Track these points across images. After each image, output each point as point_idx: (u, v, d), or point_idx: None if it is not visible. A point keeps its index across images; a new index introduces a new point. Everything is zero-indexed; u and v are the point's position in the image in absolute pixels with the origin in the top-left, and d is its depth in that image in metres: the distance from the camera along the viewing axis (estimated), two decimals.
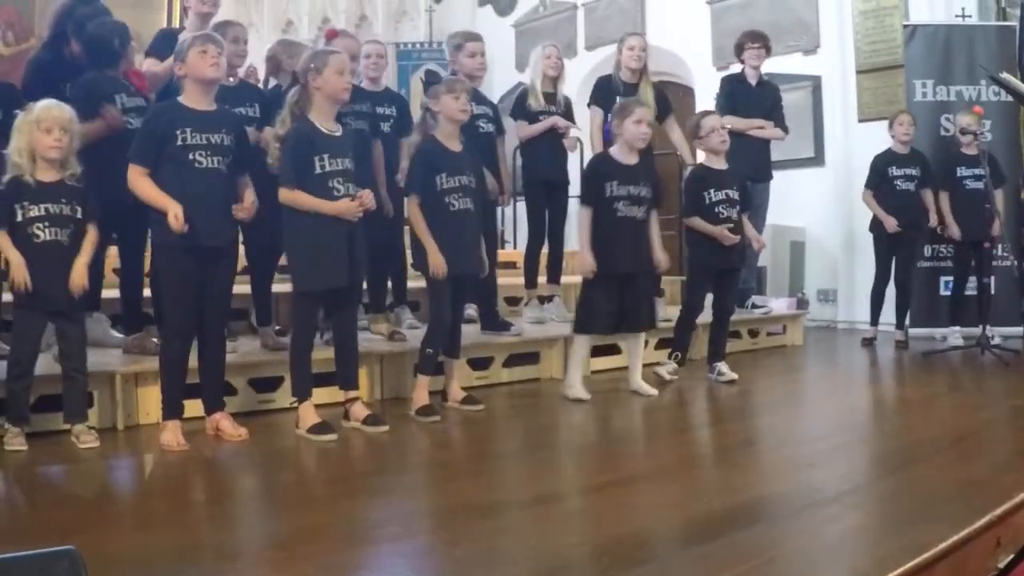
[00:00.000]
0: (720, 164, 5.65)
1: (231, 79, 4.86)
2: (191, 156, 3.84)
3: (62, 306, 3.85)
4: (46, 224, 3.80)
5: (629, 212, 4.95)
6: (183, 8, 5.60)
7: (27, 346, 3.80)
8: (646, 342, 5.97)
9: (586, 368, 5.68)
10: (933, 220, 7.31)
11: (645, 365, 5.33)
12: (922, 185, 7.31)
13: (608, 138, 5.32)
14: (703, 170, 5.65)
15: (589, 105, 6.43)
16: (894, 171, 7.30)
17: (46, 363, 3.95)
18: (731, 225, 5.48)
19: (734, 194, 5.57)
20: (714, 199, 5.51)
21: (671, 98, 6.88)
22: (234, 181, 4.01)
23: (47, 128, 3.80)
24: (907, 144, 7.35)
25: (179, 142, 3.83)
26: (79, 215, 3.89)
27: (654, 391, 5.11)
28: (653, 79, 6.59)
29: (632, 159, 5.04)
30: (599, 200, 4.95)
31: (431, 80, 5.29)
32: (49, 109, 3.85)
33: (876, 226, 7.38)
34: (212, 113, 3.98)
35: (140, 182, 3.84)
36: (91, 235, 3.94)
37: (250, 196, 4.05)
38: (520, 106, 6.24)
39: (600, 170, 5.05)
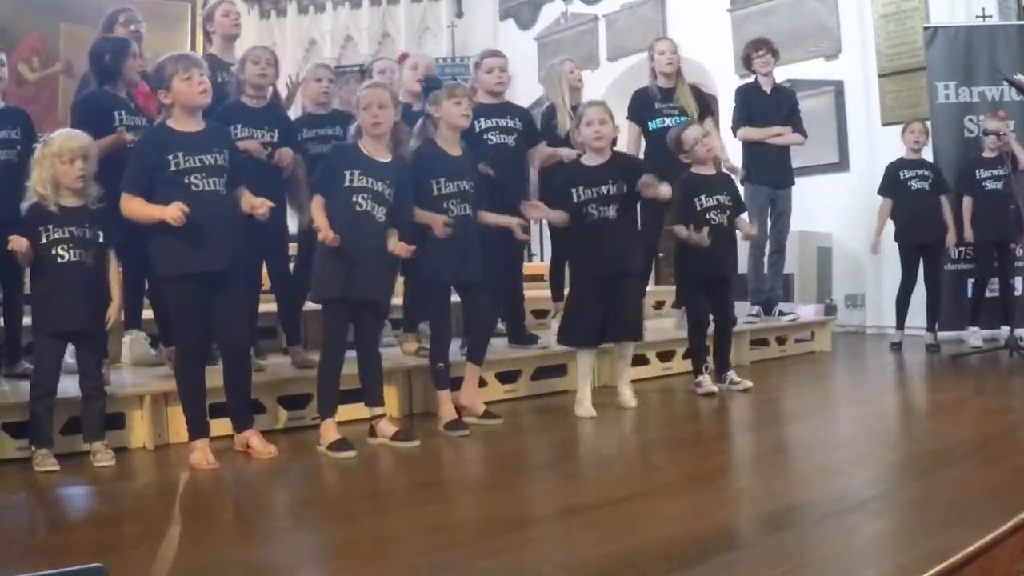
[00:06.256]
0: (709, 170, 5.62)
1: (257, 101, 4.91)
2: (187, 180, 3.82)
3: (80, 326, 3.90)
4: (70, 245, 3.86)
5: (601, 213, 4.89)
6: (205, 32, 5.63)
7: (48, 367, 3.85)
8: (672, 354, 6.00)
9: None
10: (950, 236, 7.35)
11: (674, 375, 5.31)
12: (935, 189, 7.33)
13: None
14: (692, 177, 5.56)
15: (627, 119, 6.43)
16: (906, 173, 7.34)
17: (72, 385, 4.00)
18: (708, 225, 5.38)
19: (726, 199, 5.53)
20: (705, 205, 5.45)
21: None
22: (232, 199, 3.98)
23: (70, 159, 3.86)
24: (918, 151, 7.40)
25: (172, 167, 3.80)
26: (101, 240, 3.96)
27: (632, 403, 5.05)
28: None
29: (599, 160, 4.98)
30: (568, 208, 4.93)
31: (431, 86, 5.31)
32: (68, 140, 3.91)
33: (900, 235, 7.39)
34: (201, 133, 3.95)
35: (130, 204, 3.82)
36: (113, 263, 4.04)
37: (249, 199, 4.02)
38: (546, 125, 6.15)
39: (565, 178, 5.02)
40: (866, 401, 5.58)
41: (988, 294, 7.46)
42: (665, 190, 4.93)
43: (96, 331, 3.98)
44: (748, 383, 5.57)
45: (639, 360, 5.92)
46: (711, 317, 5.65)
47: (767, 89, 7.30)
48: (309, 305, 5.27)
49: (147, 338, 5.12)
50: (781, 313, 7.34)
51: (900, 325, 7.51)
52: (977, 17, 7.94)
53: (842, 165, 8.91)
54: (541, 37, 11.61)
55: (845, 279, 8.97)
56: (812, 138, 7.57)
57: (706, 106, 6.56)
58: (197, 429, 3.94)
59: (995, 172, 7.21)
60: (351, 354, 4.35)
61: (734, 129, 7.28)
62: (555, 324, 6.40)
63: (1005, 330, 7.14)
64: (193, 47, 10.70)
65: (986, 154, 7.31)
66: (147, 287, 4.95)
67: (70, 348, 4.01)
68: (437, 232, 4.41)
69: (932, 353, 7.13)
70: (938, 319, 7.42)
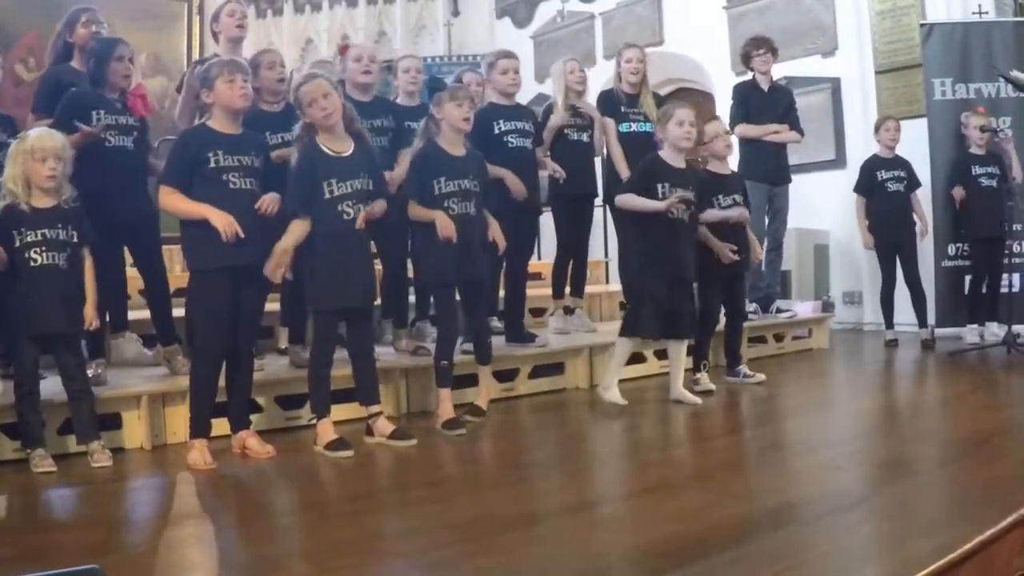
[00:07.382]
0: (725, 169, 5.64)
1: (276, 105, 4.89)
2: (224, 177, 3.91)
3: (57, 328, 3.89)
4: (43, 248, 3.86)
5: (680, 215, 4.95)
6: (213, 33, 5.56)
7: (28, 368, 3.86)
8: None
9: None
10: (921, 226, 7.44)
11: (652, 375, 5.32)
12: (908, 189, 7.37)
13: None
14: (712, 177, 5.53)
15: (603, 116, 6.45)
16: (883, 174, 7.38)
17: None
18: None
19: (740, 199, 5.57)
20: (723, 204, 5.47)
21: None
22: None
23: (41, 158, 3.86)
24: (892, 148, 7.44)
25: (212, 164, 3.89)
26: (75, 239, 3.95)
27: (697, 399, 5.08)
28: (672, 86, 6.61)
29: (680, 163, 5.03)
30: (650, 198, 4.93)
31: (435, 87, 5.31)
32: (42, 139, 3.91)
33: (876, 235, 7.43)
34: (240, 136, 4.04)
35: (172, 199, 3.91)
36: (88, 261, 4.02)
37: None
38: (546, 120, 6.16)
39: (652, 171, 5.02)
40: (864, 398, 5.58)
41: (986, 290, 7.45)
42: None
43: (74, 333, 3.97)
44: (762, 376, 5.64)
45: (637, 358, 5.90)
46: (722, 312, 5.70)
47: (765, 87, 7.31)
48: None
49: (139, 339, 5.11)
50: (779, 310, 7.33)
51: (889, 324, 7.52)
52: (973, 14, 7.92)
53: (839, 162, 8.88)
54: (537, 35, 11.60)
55: (842, 276, 8.96)
56: (809, 135, 7.58)
57: None
58: (199, 429, 3.95)
59: (989, 169, 7.26)
60: (343, 355, 4.36)
61: (732, 126, 7.29)
62: (553, 322, 6.43)
63: (994, 325, 7.17)
64: (189, 47, 10.71)
65: (973, 150, 7.37)
66: (146, 288, 4.95)
67: None
68: (440, 235, 4.42)
69: (928, 349, 7.12)
70: (926, 315, 7.40)
